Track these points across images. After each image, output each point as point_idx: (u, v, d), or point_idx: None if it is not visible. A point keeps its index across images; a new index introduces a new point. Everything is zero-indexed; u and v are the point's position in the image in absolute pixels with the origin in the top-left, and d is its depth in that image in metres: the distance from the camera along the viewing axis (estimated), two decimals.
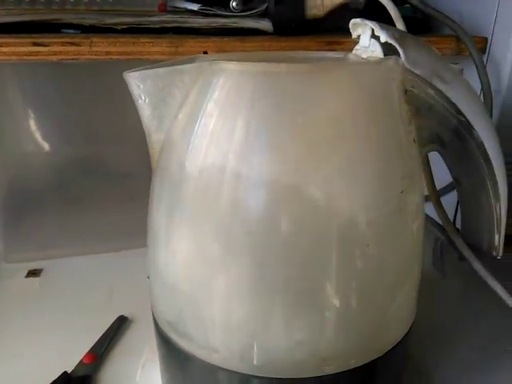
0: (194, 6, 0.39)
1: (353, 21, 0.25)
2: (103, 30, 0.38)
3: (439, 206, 0.35)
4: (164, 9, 0.40)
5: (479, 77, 0.39)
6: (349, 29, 0.27)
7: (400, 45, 0.23)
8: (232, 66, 0.20)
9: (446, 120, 0.26)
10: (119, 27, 0.38)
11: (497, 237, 0.29)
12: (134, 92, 0.22)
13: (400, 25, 0.36)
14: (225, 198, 0.21)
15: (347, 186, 0.21)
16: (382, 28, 0.23)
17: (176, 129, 0.22)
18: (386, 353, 0.24)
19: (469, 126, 0.26)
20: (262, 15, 0.39)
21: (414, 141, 0.22)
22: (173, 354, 0.25)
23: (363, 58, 0.25)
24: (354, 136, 0.21)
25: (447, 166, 0.29)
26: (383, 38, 0.23)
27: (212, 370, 0.23)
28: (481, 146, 0.26)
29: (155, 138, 0.23)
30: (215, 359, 0.23)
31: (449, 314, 0.38)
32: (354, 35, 0.26)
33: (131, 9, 0.40)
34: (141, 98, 0.23)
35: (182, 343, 0.24)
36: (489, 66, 0.41)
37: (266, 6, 0.39)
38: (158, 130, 0.23)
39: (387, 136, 0.21)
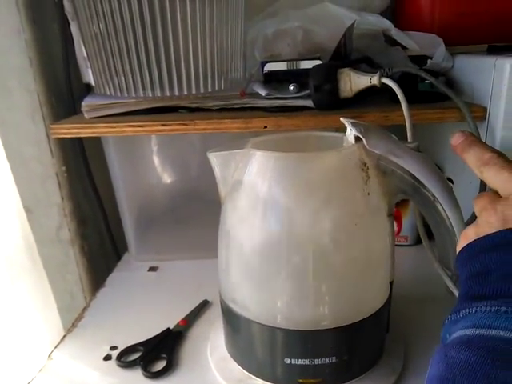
0: (263, 92, 0.57)
1: (340, 119, 0.40)
2: (203, 110, 0.58)
3: (425, 240, 0.48)
4: (244, 94, 0.59)
5: None
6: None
7: (363, 136, 0.38)
8: (258, 152, 0.37)
9: (404, 179, 0.39)
10: (214, 108, 0.58)
11: None
12: (212, 162, 0.41)
13: (403, 103, 0.50)
14: (255, 225, 0.38)
15: (329, 220, 0.37)
16: (352, 125, 0.38)
17: (231, 183, 0.40)
18: (367, 317, 0.39)
19: (420, 183, 0.39)
20: (309, 96, 0.56)
21: (368, 194, 0.37)
22: (228, 314, 0.43)
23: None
24: (329, 193, 0.37)
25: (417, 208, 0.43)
26: (353, 132, 0.38)
27: (247, 322, 0.40)
28: (433, 196, 0.39)
29: (221, 187, 0.42)
30: (250, 315, 0.40)
31: None
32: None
33: (222, 94, 0.59)
34: (215, 165, 0.41)
35: (234, 307, 0.41)
36: (488, 131, 0.52)
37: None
38: (223, 182, 0.41)
39: (348, 191, 0.37)
